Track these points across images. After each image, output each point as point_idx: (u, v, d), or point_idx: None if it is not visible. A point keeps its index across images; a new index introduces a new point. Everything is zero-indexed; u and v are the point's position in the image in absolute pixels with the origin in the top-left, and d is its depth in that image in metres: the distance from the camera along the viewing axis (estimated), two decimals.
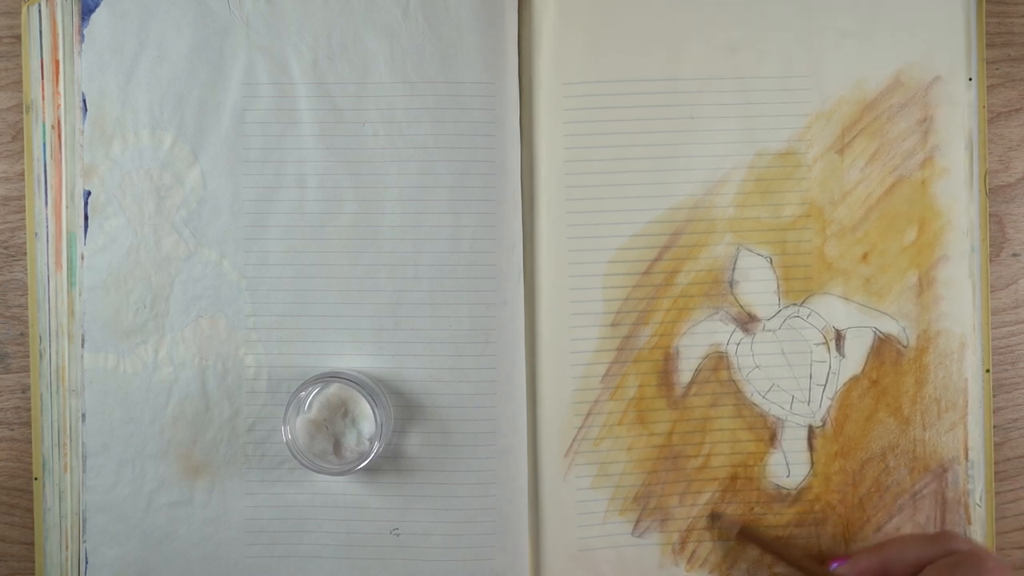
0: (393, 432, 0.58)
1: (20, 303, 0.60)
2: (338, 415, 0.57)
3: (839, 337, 0.59)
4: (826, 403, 0.59)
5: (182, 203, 0.59)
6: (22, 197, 0.60)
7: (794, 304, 0.59)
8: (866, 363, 0.59)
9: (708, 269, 0.59)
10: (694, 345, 0.59)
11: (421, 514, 0.58)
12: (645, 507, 0.59)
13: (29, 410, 0.60)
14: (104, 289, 0.59)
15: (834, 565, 0.54)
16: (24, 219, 0.60)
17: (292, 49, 0.58)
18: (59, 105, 0.59)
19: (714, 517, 0.59)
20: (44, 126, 0.59)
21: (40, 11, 0.58)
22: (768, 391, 0.59)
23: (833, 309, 0.59)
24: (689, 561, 0.59)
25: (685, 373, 0.59)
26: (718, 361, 0.59)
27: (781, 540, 0.58)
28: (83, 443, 0.58)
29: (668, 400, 0.59)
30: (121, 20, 0.58)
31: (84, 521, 0.58)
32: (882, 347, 0.59)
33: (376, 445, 0.56)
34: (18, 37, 0.60)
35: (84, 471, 0.58)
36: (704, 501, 0.59)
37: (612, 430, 0.59)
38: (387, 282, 0.59)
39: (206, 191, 0.59)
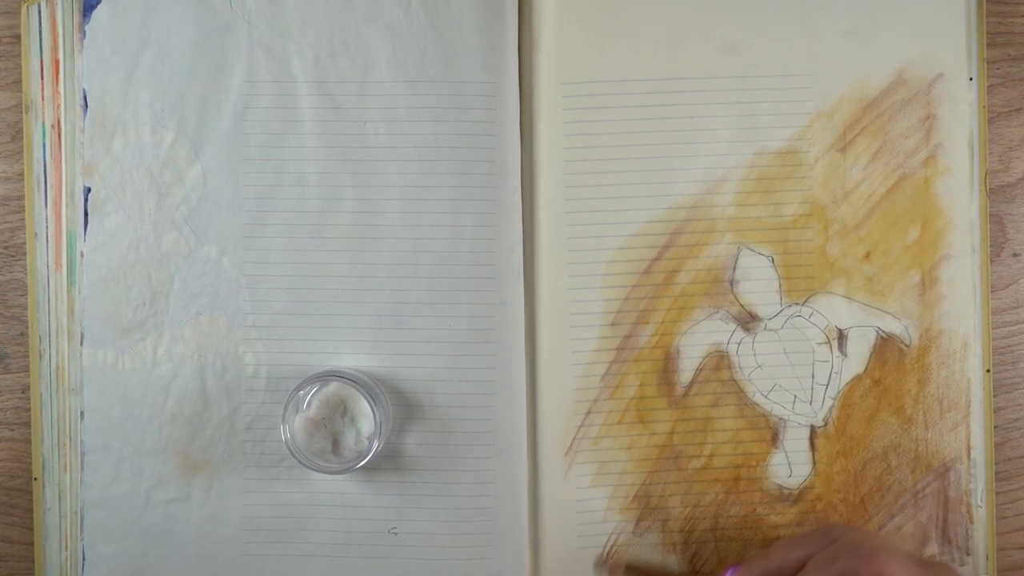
0: (392, 431, 0.58)
1: (20, 303, 0.60)
2: (337, 414, 0.57)
3: (841, 336, 0.59)
4: (828, 403, 0.59)
5: (182, 200, 0.58)
6: (22, 197, 0.60)
7: (796, 303, 0.59)
8: (868, 362, 0.59)
9: (708, 268, 0.59)
10: (695, 344, 0.59)
11: (419, 513, 0.58)
12: (646, 506, 0.58)
13: (29, 410, 0.59)
14: (104, 286, 0.58)
15: (727, 574, 0.54)
16: (24, 219, 0.60)
17: (294, 47, 0.58)
18: (59, 105, 0.59)
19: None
20: (44, 126, 0.59)
21: (40, 11, 0.58)
22: (770, 391, 0.59)
23: (835, 308, 0.59)
24: (691, 561, 0.58)
25: (686, 373, 0.59)
26: (719, 360, 0.59)
27: (666, 570, 0.58)
28: (81, 440, 0.58)
29: (669, 400, 0.59)
30: (123, 17, 0.58)
31: (82, 518, 0.58)
32: (884, 346, 0.59)
33: (375, 444, 0.56)
34: (18, 37, 0.60)
35: (82, 468, 0.58)
36: (707, 502, 0.58)
37: (612, 429, 0.58)
38: (387, 281, 0.58)
39: (206, 188, 0.58)
